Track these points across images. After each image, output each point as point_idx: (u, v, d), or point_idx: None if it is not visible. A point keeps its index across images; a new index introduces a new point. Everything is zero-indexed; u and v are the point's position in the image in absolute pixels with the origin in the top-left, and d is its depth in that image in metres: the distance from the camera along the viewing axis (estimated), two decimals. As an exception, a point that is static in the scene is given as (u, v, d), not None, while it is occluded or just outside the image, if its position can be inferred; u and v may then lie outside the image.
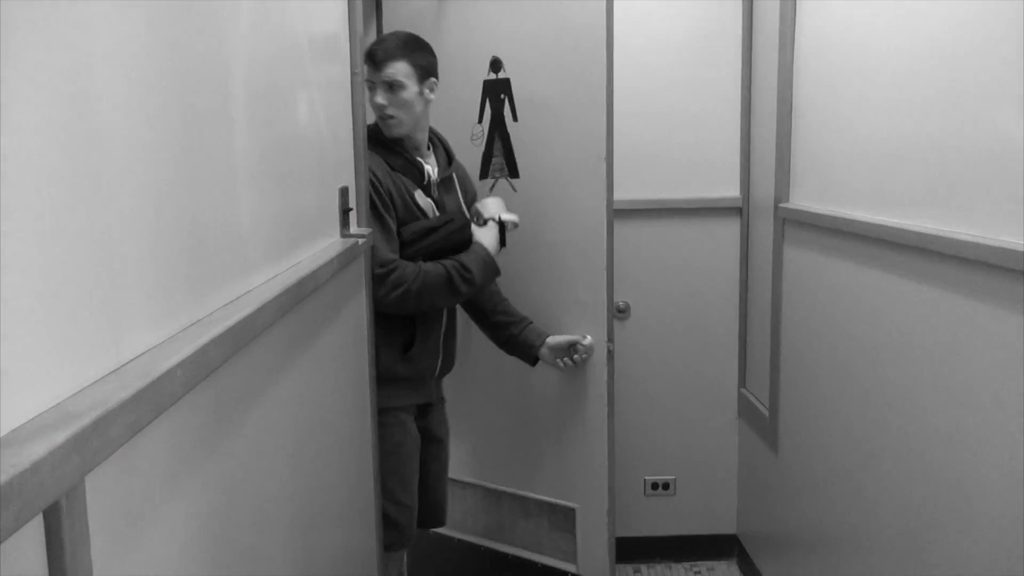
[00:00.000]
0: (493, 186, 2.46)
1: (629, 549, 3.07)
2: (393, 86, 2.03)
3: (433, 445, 2.28)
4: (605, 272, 2.31)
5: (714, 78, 2.84)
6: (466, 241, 2.11)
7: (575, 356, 2.30)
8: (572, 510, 2.49)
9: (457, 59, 2.43)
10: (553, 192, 2.37)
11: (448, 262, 2.03)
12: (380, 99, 2.05)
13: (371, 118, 2.05)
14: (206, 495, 0.88)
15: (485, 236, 2.12)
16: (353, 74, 1.87)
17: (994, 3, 1.38)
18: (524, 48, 2.34)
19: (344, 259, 1.57)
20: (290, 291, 1.14)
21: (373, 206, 1.96)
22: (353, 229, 1.81)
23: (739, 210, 2.88)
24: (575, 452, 2.46)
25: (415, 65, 2.03)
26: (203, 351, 0.80)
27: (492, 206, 2.18)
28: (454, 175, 2.23)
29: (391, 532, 2.11)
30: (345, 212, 1.74)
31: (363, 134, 1.92)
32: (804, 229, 2.30)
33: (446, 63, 2.29)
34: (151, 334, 0.77)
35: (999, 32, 1.37)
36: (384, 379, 2.02)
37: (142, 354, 0.74)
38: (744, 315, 2.93)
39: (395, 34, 2.08)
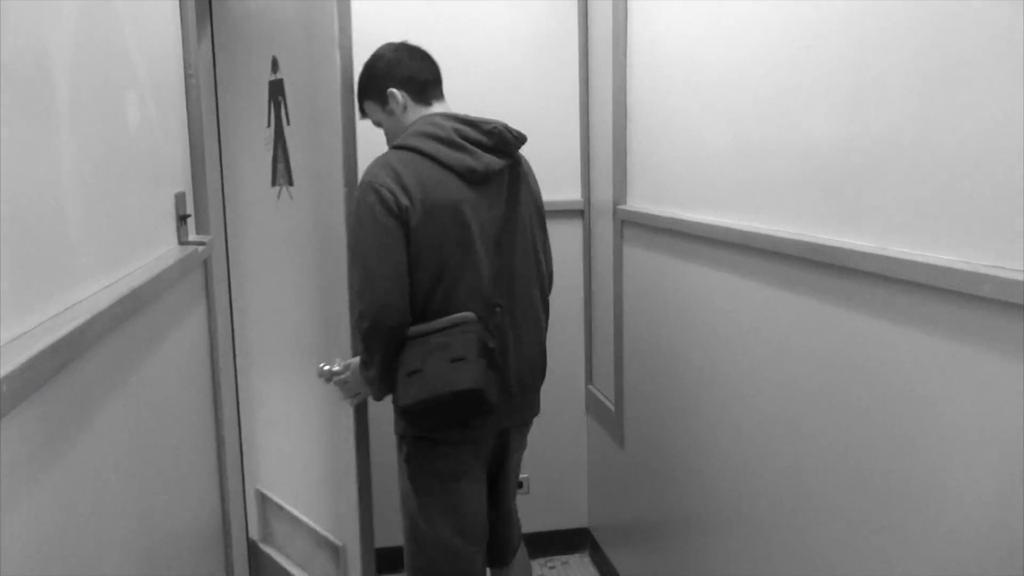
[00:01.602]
0: (280, 193, 2.31)
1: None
2: (377, 125, 2.00)
3: None
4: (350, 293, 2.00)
5: (553, 84, 2.92)
6: None
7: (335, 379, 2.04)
8: (337, 548, 2.29)
9: (254, 57, 2.30)
10: (307, 203, 2.18)
11: None
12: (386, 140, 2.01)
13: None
14: (37, 517, 0.83)
15: None
16: (187, 76, 1.81)
17: (808, 17, 1.51)
18: (295, 46, 2.16)
19: (183, 268, 1.52)
20: (124, 301, 1.10)
21: None
22: (191, 236, 1.75)
23: (581, 212, 2.98)
24: (341, 486, 2.22)
25: (369, 98, 1.96)
26: (30, 365, 0.76)
27: None
28: None
29: None
30: (182, 218, 1.68)
31: (201, 139, 1.86)
32: (641, 230, 2.41)
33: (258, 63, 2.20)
34: (-30, 348, 0.72)
35: (812, 43, 1.50)
36: None
37: (-39, 369, 0.70)
38: (589, 315, 3.03)
39: None
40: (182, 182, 1.73)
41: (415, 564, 1.96)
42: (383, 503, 2.85)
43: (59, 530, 0.89)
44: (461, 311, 1.78)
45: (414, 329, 1.75)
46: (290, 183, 2.21)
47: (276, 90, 2.24)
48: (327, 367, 2.01)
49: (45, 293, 0.91)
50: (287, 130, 2.21)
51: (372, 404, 2.12)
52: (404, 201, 1.72)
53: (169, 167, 1.62)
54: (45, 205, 0.93)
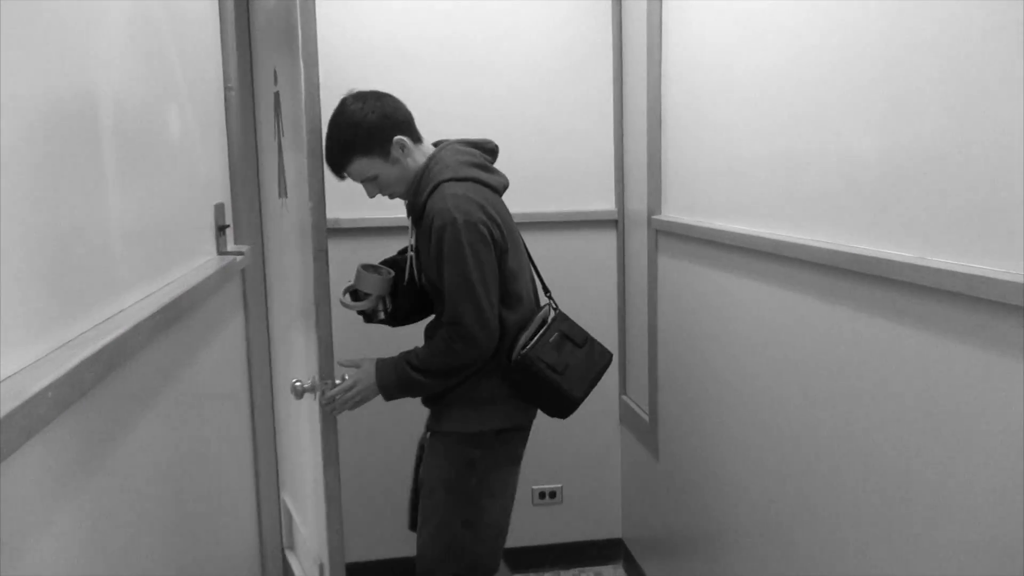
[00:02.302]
0: (282, 205, 2.28)
1: (518, 559, 3.10)
2: (367, 180, 1.93)
3: None
4: (315, 309, 1.90)
5: (587, 93, 2.92)
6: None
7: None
8: (321, 565, 2.18)
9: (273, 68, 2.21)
10: (290, 217, 2.14)
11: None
12: (369, 194, 1.96)
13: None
14: (80, 519, 0.85)
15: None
16: (227, 89, 1.84)
17: (844, 28, 1.50)
18: (283, 56, 2.06)
19: (221, 277, 1.54)
20: (165, 310, 1.12)
21: None
22: (230, 247, 1.78)
23: (615, 222, 2.98)
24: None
25: (367, 154, 1.87)
26: (75, 372, 0.78)
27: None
28: (410, 219, 1.99)
29: None
30: (221, 229, 1.71)
31: (239, 152, 1.89)
32: (676, 240, 2.40)
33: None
34: (19, 355, 0.74)
35: (848, 55, 1.49)
36: None
37: (10, 376, 0.71)
38: (623, 324, 3.02)
39: (329, 138, 1.88)
40: (221, 193, 1.76)
41: (466, 558, 2.02)
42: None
43: (100, 533, 0.91)
44: (531, 314, 1.98)
45: (525, 337, 1.93)
46: (286, 195, 2.21)
47: (276, 102, 2.23)
48: (299, 383, 1.96)
49: (89, 302, 0.94)
50: (283, 142, 2.18)
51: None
52: (497, 233, 1.85)
53: (208, 179, 1.65)
54: (89, 217, 0.95)
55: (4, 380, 0.70)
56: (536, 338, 1.93)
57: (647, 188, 2.60)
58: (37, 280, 0.79)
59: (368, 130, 1.84)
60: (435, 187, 1.85)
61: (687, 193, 2.33)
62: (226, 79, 1.83)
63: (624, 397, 3.03)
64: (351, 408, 1.95)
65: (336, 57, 2.72)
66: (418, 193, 1.90)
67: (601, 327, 3.03)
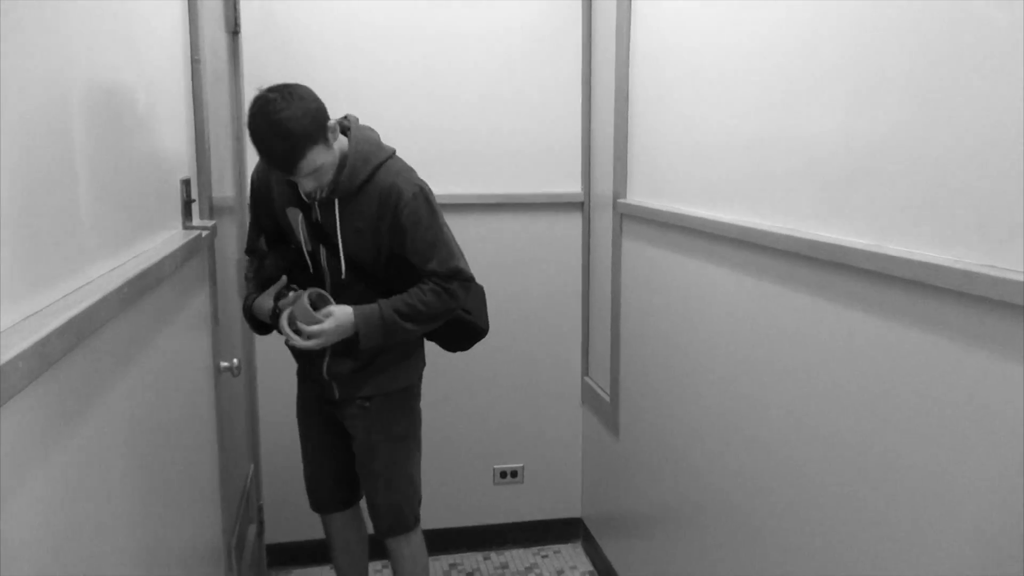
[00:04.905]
0: None
1: (478, 537, 3.13)
2: (313, 173, 1.85)
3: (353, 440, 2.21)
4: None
5: (555, 75, 2.93)
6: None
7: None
8: None
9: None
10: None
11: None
12: (309, 188, 1.89)
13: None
14: (49, 489, 0.85)
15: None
16: (193, 62, 1.82)
17: (811, 14, 1.52)
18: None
19: (187, 251, 1.54)
20: (132, 283, 1.12)
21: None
22: (196, 221, 1.77)
23: (581, 205, 3.00)
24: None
25: (322, 141, 1.82)
26: (45, 342, 0.78)
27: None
28: (335, 201, 1.96)
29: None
30: (187, 204, 1.70)
31: (206, 126, 1.87)
32: (640, 223, 2.43)
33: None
34: (-12, 325, 0.74)
35: (814, 41, 1.51)
36: None
37: (-21, 345, 0.72)
38: (587, 307, 3.05)
39: (277, 136, 1.76)
40: (188, 168, 1.75)
41: (417, 495, 2.26)
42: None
43: (70, 501, 0.91)
44: None
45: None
46: None
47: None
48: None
49: (56, 274, 0.93)
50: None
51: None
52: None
53: (174, 154, 1.63)
54: (57, 188, 0.95)
55: (-26, 349, 0.70)
56: None
57: (613, 171, 2.62)
58: (5, 249, 0.79)
59: (316, 117, 1.80)
60: (378, 166, 1.95)
61: (653, 177, 2.36)
62: (193, 51, 1.81)
63: (586, 378, 3.06)
64: (313, 348, 1.99)
65: (296, 29, 2.70)
66: (353, 175, 1.93)
67: (565, 309, 3.06)
